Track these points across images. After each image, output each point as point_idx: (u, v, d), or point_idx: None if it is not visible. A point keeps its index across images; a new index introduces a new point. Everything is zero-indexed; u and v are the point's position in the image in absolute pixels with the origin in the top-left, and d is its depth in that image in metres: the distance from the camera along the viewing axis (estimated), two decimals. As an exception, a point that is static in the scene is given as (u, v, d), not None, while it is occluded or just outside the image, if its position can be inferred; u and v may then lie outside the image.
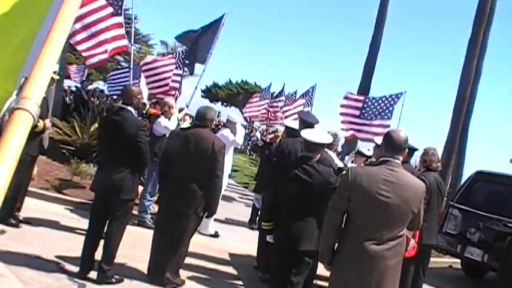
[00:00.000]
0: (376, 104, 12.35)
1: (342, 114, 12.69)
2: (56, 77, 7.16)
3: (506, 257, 8.63)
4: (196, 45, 11.51)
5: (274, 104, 20.07)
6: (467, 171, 17.56)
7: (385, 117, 12.10)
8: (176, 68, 14.19)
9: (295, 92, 19.69)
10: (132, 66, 12.64)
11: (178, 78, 14.13)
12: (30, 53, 1.40)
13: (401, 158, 4.09)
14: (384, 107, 12.16)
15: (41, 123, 6.69)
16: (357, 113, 12.46)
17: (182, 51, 13.79)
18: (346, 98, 12.85)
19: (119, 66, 38.78)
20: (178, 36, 12.60)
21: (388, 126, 11.56)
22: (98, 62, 10.86)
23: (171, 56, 15.12)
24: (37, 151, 7.13)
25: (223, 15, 11.16)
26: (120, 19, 10.59)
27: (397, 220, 3.97)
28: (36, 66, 1.28)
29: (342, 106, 12.75)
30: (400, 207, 3.93)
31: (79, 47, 10.47)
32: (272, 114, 20.15)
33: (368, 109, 12.34)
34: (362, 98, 13.07)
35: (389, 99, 12.22)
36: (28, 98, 1.24)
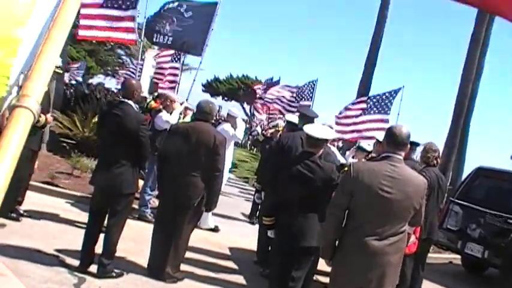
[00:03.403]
0: (375, 100, 12.32)
1: (338, 124, 12.57)
2: (59, 71, 7.17)
3: (508, 253, 8.64)
4: (185, 32, 11.18)
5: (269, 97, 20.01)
6: (468, 166, 17.58)
7: (384, 111, 12.06)
8: (172, 61, 14.17)
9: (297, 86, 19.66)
10: (139, 61, 12.65)
11: (177, 72, 14.12)
12: (31, 51, 1.41)
13: (403, 154, 4.08)
14: (382, 103, 12.13)
15: (42, 118, 6.67)
16: (358, 114, 12.41)
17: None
18: (338, 117, 12.81)
19: (120, 60, 38.78)
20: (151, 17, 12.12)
21: (387, 120, 11.53)
22: (90, 36, 10.69)
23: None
24: (38, 146, 7.11)
25: (216, 4, 10.90)
26: (134, 12, 10.52)
27: (398, 216, 3.97)
28: (36, 64, 1.30)
29: (338, 118, 12.68)
30: (402, 203, 3.92)
31: (83, 11, 10.17)
32: (271, 108, 20.08)
33: (369, 106, 12.31)
34: (364, 98, 13.01)
35: (388, 95, 12.21)
36: (28, 95, 1.26)
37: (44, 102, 7.03)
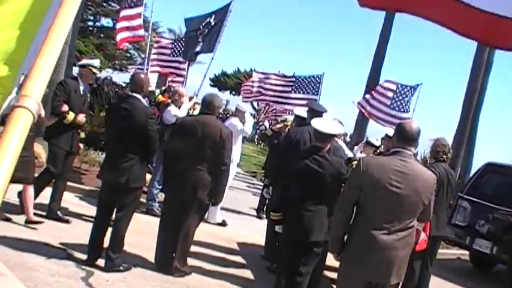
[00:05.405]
0: (401, 91, 12.42)
1: (370, 96, 12.86)
2: (96, 71, 7.25)
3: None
4: (207, 35, 11.37)
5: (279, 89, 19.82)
6: (476, 164, 17.51)
7: (404, 110, 12.13)
8: (173, 55, 14.23)
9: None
10: (147, 55, 12.77)
11: (184, 66, 14.12)
12: (30, 51, 1.42)
13: (413, 150, 4.10)
14: (402, 101, 12.17)
15: (70, 115, 6.79)
16: (386, 101, 12.52)
17: (182, 39, 13.73)
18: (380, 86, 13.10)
19: (128, 54, 38.85)
20: (188, 20, 12.39)
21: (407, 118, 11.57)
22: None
23: (170, 41, 15.20)
24: (69, 146, 7.05)
25: (230, 2, 11.02)
26: (139, 9, 10.61)
27: (407, 211, 3.95)
28: (36, 64, 1.30)
29: (374, 91, 12.98)
30: (411, 199, 3.91)
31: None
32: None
33: (397, 99, 12.40)
34: (394, 87, 13.07)
35: (406, 90, 12.24)
36: (28, 96, 1.26)
37: (78, 101, 7.03)
